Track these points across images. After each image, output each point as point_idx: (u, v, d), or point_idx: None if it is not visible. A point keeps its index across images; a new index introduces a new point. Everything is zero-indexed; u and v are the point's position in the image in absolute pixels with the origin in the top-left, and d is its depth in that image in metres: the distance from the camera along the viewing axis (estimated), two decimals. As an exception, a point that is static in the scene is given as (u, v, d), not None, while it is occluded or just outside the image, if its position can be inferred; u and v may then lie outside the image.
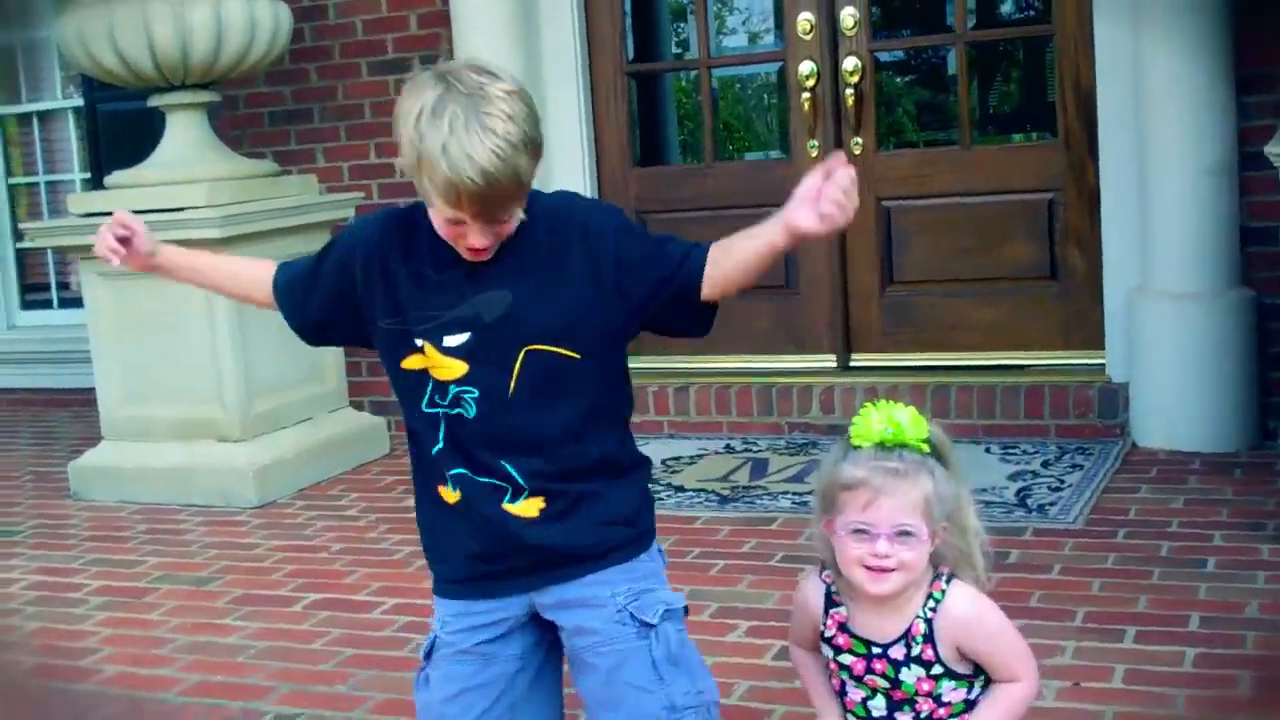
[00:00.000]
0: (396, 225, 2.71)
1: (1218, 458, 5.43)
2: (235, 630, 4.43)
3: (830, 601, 2.66)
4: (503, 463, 2.62)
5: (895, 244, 6.40)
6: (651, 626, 2.66)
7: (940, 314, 6.36)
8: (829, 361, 6.52)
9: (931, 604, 2.57)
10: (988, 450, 5.73)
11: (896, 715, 2.64)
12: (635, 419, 2.80)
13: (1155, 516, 4.82)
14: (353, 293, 2.73)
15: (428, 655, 2.81)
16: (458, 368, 2.61)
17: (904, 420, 2.53)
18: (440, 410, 2.64)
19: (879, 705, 2.64)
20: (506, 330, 2.59)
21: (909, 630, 2.58)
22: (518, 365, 2.59)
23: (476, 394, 2.60)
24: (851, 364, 6.49)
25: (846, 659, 2.64)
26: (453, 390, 2.61)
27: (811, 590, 2.71)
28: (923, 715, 2.63)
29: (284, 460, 6.04)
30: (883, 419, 2.54)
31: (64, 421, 7.95)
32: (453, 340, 2.61)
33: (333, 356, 6.47)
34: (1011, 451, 5.72)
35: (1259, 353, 5.61)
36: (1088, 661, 3.67)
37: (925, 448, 2.54)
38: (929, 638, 2.57)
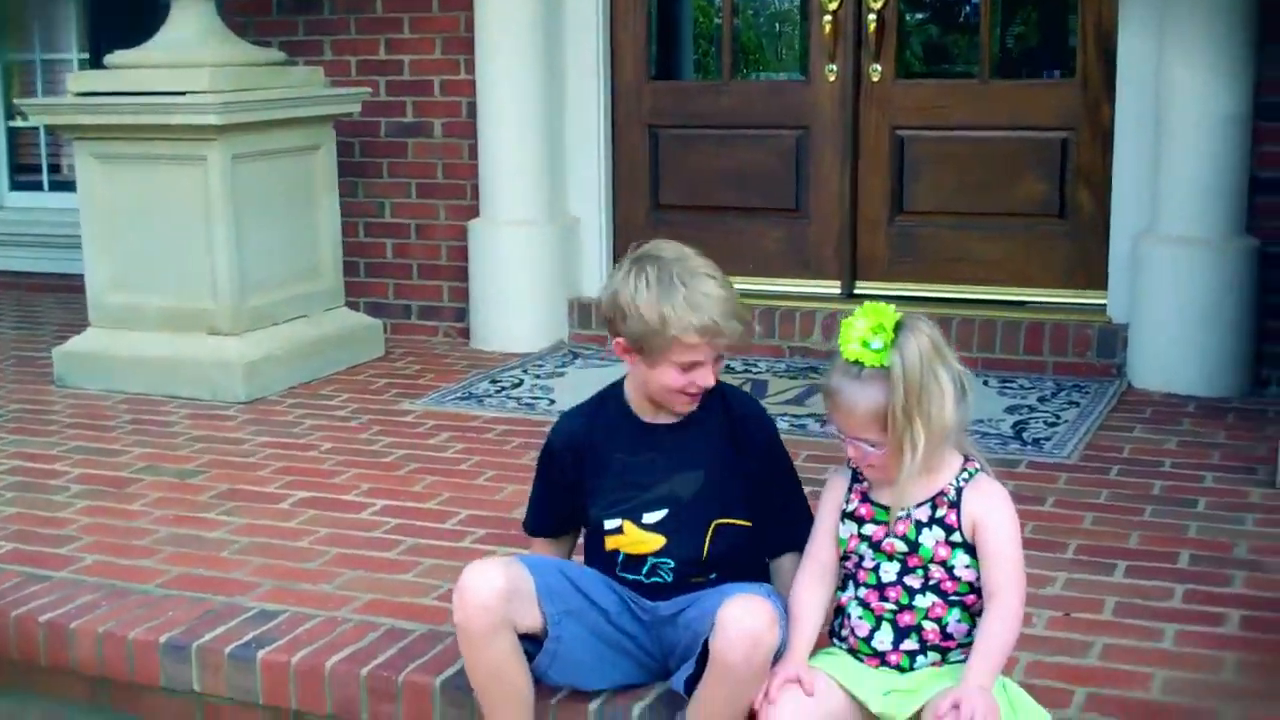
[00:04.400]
0: (601, 416, 3.13)
1: (1212, 402, 5.46)
2: (219, 525, 4.38)
3: (855, 479, 2.88)
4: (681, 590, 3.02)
5: (907, 174, 6.35)
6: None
7: (947, 246, 6.32)
8: (834, 288, 6.49)
9: (965, 475, 2.81)
10: (986, 383, 5.71)
11: (905, 579, 2.79)
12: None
13: (1148, 456, 4.84)
14: (577, 480, 3.11)
15: None
16: (655, 541, 3.01)
17: (865, 343, 2.72)
18: (635, 577, 3.04)
19: (891, 570, 2.80)
20: (700, 507, 3.01)
21: (939, 493, 2.77)
22: (709, 537, 3.00)
23: (673, 564, 3.01)
24: (856, 291, 6.44)
25: (869, 529, 2.83)
26: (650, 562, 3.02)
27: (837, 474, 2.95)
28: (932, 582, 2.77)
29: (275, 356, 5.97)
30: (849, 339, 2.75)
31: (49, 307, 7.89)
32: (652, 517, 3.01)
33: (330, 254, 6.40)
34: (1009, 386, 5.70)
35: (1258, 301, 5.62)
36: (1079, 593, 3.68)
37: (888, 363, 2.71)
38: (955, 504, 2.75)
